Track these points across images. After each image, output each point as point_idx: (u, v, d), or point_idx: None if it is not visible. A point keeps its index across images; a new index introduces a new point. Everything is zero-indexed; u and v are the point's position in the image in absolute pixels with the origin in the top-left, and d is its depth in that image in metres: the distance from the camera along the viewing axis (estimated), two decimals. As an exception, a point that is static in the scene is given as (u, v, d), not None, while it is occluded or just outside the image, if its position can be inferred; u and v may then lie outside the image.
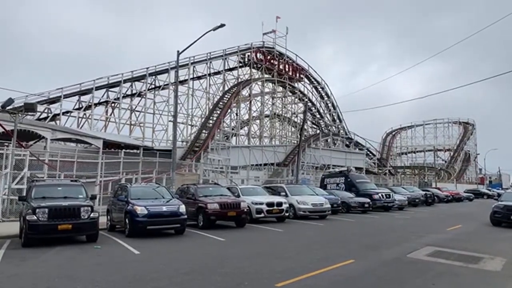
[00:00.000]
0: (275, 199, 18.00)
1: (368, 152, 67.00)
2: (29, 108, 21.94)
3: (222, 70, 49.67)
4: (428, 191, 35.96)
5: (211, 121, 43.12)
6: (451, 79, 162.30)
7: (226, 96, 46.75)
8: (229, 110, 46.40)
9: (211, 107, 46.39)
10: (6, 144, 20.14)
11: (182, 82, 43.76)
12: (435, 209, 28.30)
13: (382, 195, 25.66)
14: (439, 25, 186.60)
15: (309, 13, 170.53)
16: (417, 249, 10.16)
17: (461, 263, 8.51)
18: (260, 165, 45.56)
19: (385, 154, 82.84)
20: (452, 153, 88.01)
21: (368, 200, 24.16)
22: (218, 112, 44.15)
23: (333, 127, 65.74)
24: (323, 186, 29.57)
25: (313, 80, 63.29)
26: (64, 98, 36.89)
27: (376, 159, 70.03)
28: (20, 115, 20.81)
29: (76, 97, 38.37)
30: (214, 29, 19.37)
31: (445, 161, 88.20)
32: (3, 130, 21.58)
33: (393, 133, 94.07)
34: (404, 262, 8.62)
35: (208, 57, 47.40)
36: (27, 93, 33.54)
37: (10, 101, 20.07)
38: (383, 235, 13.40)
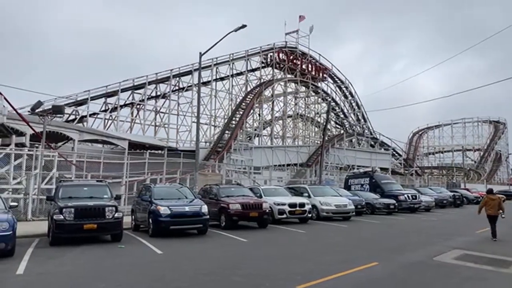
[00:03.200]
0: (298, 200, 17.87)
1: (394, 152, 65.71)
2: (57, 110, 22.69)
3: (244, 71, 49.83)
4: (456, 192, 34.95)
5: (233, 122, 43.31)
6: (488, 75, 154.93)
7: (248, 96, 46.87)
8: (251, 111, 46.52)
9: (233, 108, 46.60)
10: (36, 145, 20.84)
11: (205, 84, 44.18)
12: (463, 211, 27.43)
13: (408, 196, 25.09)
14: (477, 15, 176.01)
15: (335, 8, 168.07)
16: (444, 252, 9.85)
17: (490, 267, 8.19)
18: (283, 165, 45.41)
19: (411, 154, 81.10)
20: (482, 153, 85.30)
21: (394, 201, 23.67)
22: (241, 112, 44.30)
23: (358, 127, 64.84)
24: (347, 187, 29.19)
25: (336, 79, 62.65)
26: (91, 100, 37.90)
27: (402, 159, 68.62)
28: (48, 117, 21.47)
29: (103, 99, 39.40)
30: (236, 30, 19.41)
31: (475, 162, 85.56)
32: (33, 132, 22.29)
33: (420, 132, 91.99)
34: (430, 266, 8.36)
35: (231, 58, 47.64)
36: (56, 96, 34.83)
37: (39, 103, 20.75)
38: (409, 238, 13.08)
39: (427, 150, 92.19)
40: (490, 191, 13.84)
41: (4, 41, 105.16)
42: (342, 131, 60.25)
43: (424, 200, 26.25)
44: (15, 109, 22.03)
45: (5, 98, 20.35)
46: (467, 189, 41.42)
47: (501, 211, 12.69)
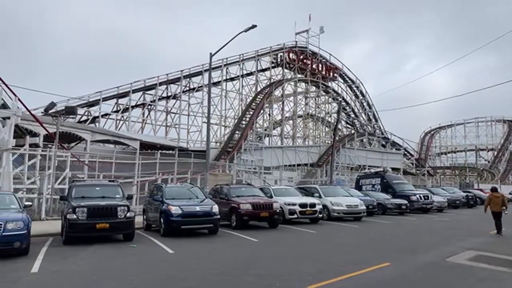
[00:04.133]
0: (308, 200, 17.82)
1: (406, 152, 65.10)
2: (70, 111, 23.00)
3: (254, 71, 49.87)
4: (469, 192, 34.45)
5: (244, 122, 43.39)
6: (501, 74, 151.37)
7: (258, 97, 46.90)
8: (261, 111, 46.57)
9: (243, 108, 46.69)
10: (49, 146, 21.14)
11: (216, 84, 44.34)
12: (477, 211, 27.01)
13: (420, 196, 24.84)
14: (489, 14, 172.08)
15: (346, 7, 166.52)
16: (457, 253, 9.72)
17: (505, 269, 8.06)
18: (293, 165, 45.33)
19: (423, 154, 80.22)
20: (495, 153, 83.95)
21: (405, 202, 23.46)
22: (251, 113, 44.37)
23: (369, 127, 64.42)
24: (358, 187, 29.01)
25: (347, 79, 62.33)
26: (103, 101, 38.31)
27: (414, 159, 67.92)
28: (61, 118, 21.77)
29: (114, 100, 39.78)
30: (246, 30, 19.43)
31: (488, 161, 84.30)
32: (46, 132, 22.62)
33: (432, 132, 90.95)
34: (443, 266, 8.27)
35: (241, 59, 47.73)
36: (68, 97, 35.21)
37: (52, 104, 21.04)
38: (421, 238, 12.94)
39: (439, 150, 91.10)
40: (494, 189, 14.58)
41: (13, 41, 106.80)
42: (353, 131, 59.95)
43: (437, 201, 25.95)
44: (29, 110, 22.40)
45: (19, 100, 20.71)
46: (481, 190, 40.77)
47: (504, 207, 13.44)
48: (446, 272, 7.79)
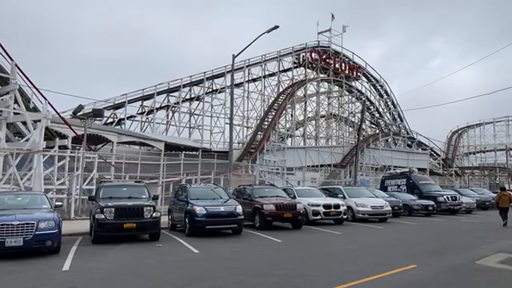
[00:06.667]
0: (332, 201, 17.69)
1: (432, 152, 63.60)
2: (97, 113, 23.59)
3: (276, 72, 49.82)
4: (500, 193, 33.36)
5: (266, 123, 43.41)
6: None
7: (280, 97, 46.81)
8: (284, 111, 46.41)
9: (266, 109, 46.68)
10: (77, 147, 21.75)
11: (238, 85, 44.50)
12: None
13: (447, 197, 24.26)
14: None
15: (372, 3, 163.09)
16: (487, 255, 9.45)
17: (538, 273, 7.79)
18: (317, 166, 45.03)
19: (450, 154, 78.05)
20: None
21: (432, 203, 22.96)
22: (273, 113, 44.34)
23: (394, 127, 63.28)
24: (384, 188, 28.58)
25: (371, 78, 61.42)
26: (128, 103, 39.09)
27: (441, 159, 66.26)
28: (89, 120, 22.37)
29: (139, 102, 40.57)
30: (268, 31, 19.48)
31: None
32: (75, 134, 23.30)
33: (460, 131, 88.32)
34: (473, 269, 8.05)
35: (263, 59, 47.75)
36: (95, 99, 36.03)
37: (80, 107, 21.62)
38: (449, 240, 12.64)
39: (467, 150, 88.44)
40: (503, 189, 18.13)
41: (39, 44, 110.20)
42: (377, 131, 59.01)
43: (465, 202, 25.29)
44: (58, 113, 23.13)
45: (49, 103, 21.42)
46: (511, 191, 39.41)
47: (511, 203, 16.74)
48: (476, 275, 7.59)
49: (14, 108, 19.88)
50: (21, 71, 20.53)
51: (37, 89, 21.78)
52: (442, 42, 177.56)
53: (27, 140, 19.83)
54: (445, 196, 24.29)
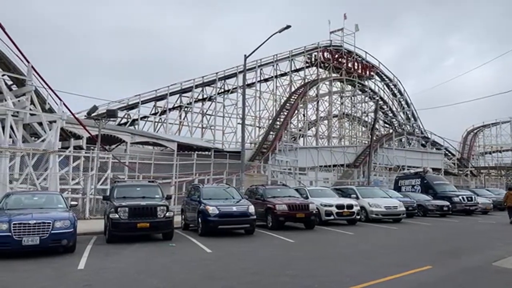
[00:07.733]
0: (345, 201, 17.57)
1: (447, 152, 62.70)
2: (111, 114, 23.89)
3: (288, 72, 49.72)
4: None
5: (278, 123, 43.36)
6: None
7: (292, 97, 46.71)
8: (296, 111, 46.30)
9: (278, 109, 46.64)
10: (92, 148, 22.04)
11: (250, 85, 44.56)
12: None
13: (463, 197, 23.88)
14: None
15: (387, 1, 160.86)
16: (504, 257, 9.27)
17: (558, 275, 7.62)
18: (329, 166, 44.80)
19: (466, 154, 76.83)
20: (545, 152, 79.10)
21: (447, 203, 22.61)
22: (285, 113, 44.26)
23: (407, 126, 62.60)
24: (397, 188, 28.28)
25: (384, 77, 60.89)
26: (141, 104, 39.48)
27: (456, 159, 65.31)
28: (103, 121, 22.64)
29: (152, 103, 40.93)
30: (280, 31, 19.43)
31: (538, 161, 79.53)
32: (89, 135, 23.61)
33: (475, 131, 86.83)
34: (489, 271, 7.91)
35: (275, 59, 47.72)
36: (109, 100, 36.51)
37: (94, 108, 21.91)
38: (465, 241, 12.45)
39: (483, 149, 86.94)
40: (510, 188, 19.22)
41: (54, 45, 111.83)
42: (391, 131, 58.43)
43: (481, 202, 24.83)
44: (73, 114, 23.46)
45: (64, 104, 21.73)
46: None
47: None
48: (493, 277, 7.46)
49: (31, 109, 20.22)
50: (37, 72, 20.89)
51: (52, 90, 22.15)
52: (457, 39, 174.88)
53: (43, 141, 20.17)
54: (460, 197, 23.91)
